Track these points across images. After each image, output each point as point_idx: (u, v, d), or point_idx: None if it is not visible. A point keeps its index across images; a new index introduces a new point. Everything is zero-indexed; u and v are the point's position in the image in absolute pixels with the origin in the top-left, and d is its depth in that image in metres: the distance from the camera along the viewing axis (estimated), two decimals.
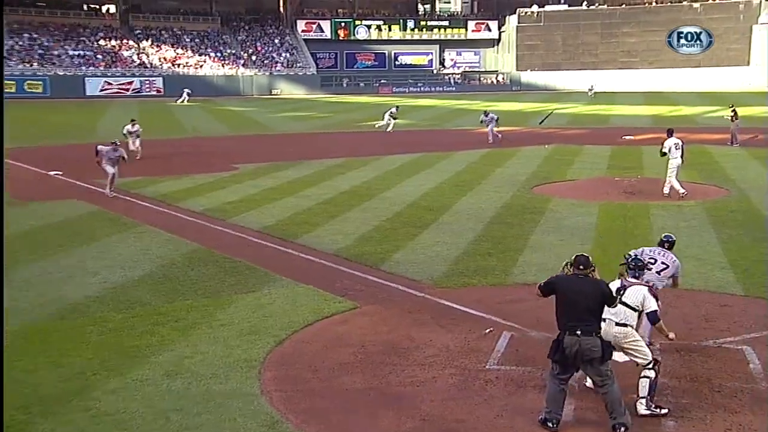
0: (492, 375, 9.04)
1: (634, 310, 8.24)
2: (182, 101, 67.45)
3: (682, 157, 20.19)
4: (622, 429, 7.55)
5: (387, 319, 11.07)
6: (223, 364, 9.36)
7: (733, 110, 33.06)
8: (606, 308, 7.92)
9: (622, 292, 8.26)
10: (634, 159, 28.72)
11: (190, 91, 69.84)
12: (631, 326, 8.20)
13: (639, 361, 8.16)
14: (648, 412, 7.94)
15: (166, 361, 9.48)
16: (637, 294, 8.28)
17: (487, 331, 10.27)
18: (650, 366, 8.11)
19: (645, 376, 8.07)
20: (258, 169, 27.27)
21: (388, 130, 40.44)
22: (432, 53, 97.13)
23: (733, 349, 9.79)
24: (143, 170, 26.78)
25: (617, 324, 8.09)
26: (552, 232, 16.49)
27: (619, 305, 8.12)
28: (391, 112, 41.18)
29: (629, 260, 8.70)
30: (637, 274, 8.54)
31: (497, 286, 12.73)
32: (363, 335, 10.38)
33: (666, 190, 20.25)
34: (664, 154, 20.21)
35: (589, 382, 8.25)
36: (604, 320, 7.96)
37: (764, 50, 79.25)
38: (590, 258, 7.87)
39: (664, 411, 7.99)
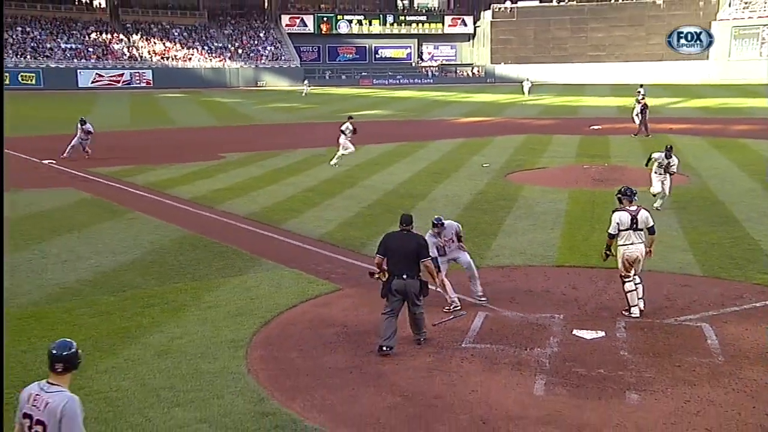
0: (467, 353, 9.08)
1: (643, 230, 10.13)
2: (304, 93, 64.88)
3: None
4: (423, 340, 9.20)
5: (368, 301, 11.03)
6: (212, 344, 9.32)
7: (643, 95, 31.90)
8: (633, 232, 10.00)
9: (635, 221, 10.04)
10: (601, 147, 28.87)
11: (308, 83, 67.65)
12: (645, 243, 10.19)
13: (638, 270, 10.13)
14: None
15: (157, 342, 9.43)
16: (645, 217, 10.15)
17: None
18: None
19: (636, 287, 10.10)
20: (243, 158, 27.10)
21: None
22: (411, 47, 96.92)
23: (692, 326, 9.91)
24: (134, 159, 26.55)
25: (642, 242, 10.08)
26: (524, 218, 16.55)
27: (636, 232, 10.04)
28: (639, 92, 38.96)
29: (623, 190, 10.38)
30: (633, 200, 10.26)
31: None
32: (345, 316, 10.38)
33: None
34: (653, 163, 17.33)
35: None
36: (632, 244, 10.01)
37: (722, 45, 79.83)
38: (413, 216, 9.34)
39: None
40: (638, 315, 10.11)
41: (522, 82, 63.58)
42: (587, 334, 9.60)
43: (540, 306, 10.65)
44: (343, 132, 24.51)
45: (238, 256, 13.59)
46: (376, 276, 9.28)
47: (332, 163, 24.19)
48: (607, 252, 10.43)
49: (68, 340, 5.18)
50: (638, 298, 10.19)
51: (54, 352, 5.03)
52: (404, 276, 8.84)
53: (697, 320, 10.09)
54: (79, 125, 26.45)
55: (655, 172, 17.17)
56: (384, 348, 8.90)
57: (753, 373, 8.41)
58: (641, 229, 10.14)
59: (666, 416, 7.47)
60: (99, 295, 11.34)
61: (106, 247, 14.22)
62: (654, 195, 17.05)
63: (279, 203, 18.64)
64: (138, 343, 9.40)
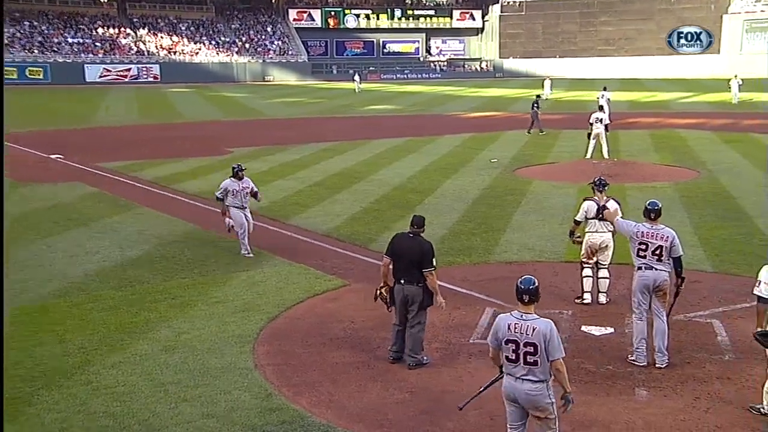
0: (476, 349, 9.06)
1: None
2: (357, 89, 61.71)
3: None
4: (412, 364, 8.52)
5: None
6: (219, 339, 9.34)
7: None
8: (599, 221, 10.26)
9: (603, 209, 10.07)
10: (611, 143, 28.70)
11: (359, 78, 64.32)
12: (612, 232, 10.30)
13: (607, 262, 10.50)
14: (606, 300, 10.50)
15: (164, 337, 9.46)
16: (614, 208, 9.89)
17: None
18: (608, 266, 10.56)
19: (606, 277, 10.52)
20: (251, 152, 27.11)
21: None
22: (418, 41, 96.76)
23: (702, 322, 9.87)
24: (141, 154, 26.61)
25: (609, 231, 10.35)
26: (533, 213, 16.50)
27: (603, 222, 10.25)
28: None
29: (596, 180, 10.73)
30: (603, 190, 10.57)
31: (480, 264, 12.75)
32: (352, 311, 10.37)
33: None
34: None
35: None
36: (596, 232, 10.42)
37: (733, 39, 79.51)
38: (424, 219, 8.92)
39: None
40: (589, 301, 10.49)
41: (543, 81, 59.11)
42: (596, 330, 9.58)
43: (548, 302, 10.60)
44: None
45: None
46: (380, 297, 8.87)
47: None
48: (574, 237, 10.83)
49: (530, 277, 6.06)
50: (601, 292, 10.56)
51: (521, 286, 5.96)
52: (402, 281, 8.52)
53: (707, 316, 10.06)
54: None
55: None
56: (390, 357, 8.78)
57: (763, 370, 8.35)
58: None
59: (675, 413, 7.44)
60: (106, 290, 11.38)
61: (113, 242, 14.26)
62: None
63: (286, 198, 18.65)
64: (145, 338, 9.42)
